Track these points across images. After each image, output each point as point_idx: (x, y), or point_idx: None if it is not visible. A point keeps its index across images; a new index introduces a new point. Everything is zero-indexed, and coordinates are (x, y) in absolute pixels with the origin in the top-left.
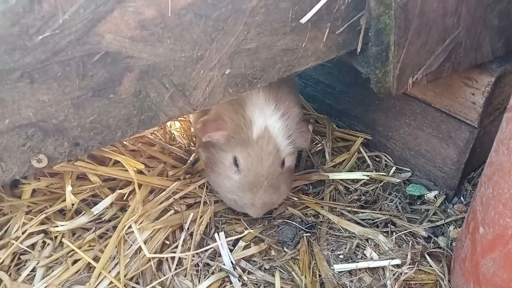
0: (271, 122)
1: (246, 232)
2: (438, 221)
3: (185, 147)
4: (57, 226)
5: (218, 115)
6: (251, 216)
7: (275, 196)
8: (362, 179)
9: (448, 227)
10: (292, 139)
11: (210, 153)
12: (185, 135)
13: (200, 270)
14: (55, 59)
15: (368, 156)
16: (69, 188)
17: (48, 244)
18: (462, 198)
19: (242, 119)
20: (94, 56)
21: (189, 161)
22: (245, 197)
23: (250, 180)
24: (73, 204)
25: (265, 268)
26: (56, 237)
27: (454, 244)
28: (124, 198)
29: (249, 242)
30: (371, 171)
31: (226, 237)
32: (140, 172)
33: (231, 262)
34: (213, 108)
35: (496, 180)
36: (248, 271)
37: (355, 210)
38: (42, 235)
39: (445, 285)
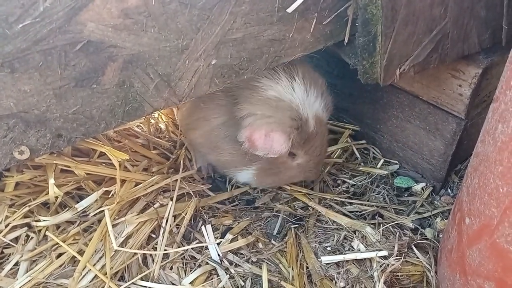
0: (316, 108)
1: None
2: (425, 213)
3: (171, 138)
4: (39, 221)
5: (270, 126)
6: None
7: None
8: (351, 171)
9: (435, 219)
10: (329, 106)
11: (263, 162)
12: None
13: (187, 262)
14: (36, 48)
15: (357, 149)
16: (51, 181)
17: (32, 237)
18: (449, 190)
19: (300, 120)
20: (76, 45)
21: (172, 157)
22: (312, 173)
23: (316, 161)
24: (57, 197)
25: (252, 261)
26: (40, 230)
27: (441, 236)
28: (110, 196)
29: (236, 235)
30: (359, 164)
31: (213, 230)
32: (124, 167)
33: (218, 254)
34: (248, 116)
35: (482, 170)
36: (235, 263)
37: (343, 201)
38: (25, 228)
39: (431, 276)
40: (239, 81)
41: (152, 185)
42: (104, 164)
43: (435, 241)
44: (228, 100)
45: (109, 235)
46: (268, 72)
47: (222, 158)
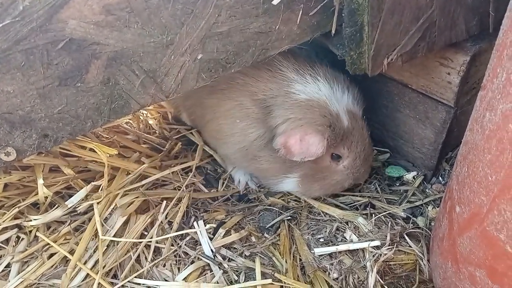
0: (346, 102)
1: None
2: (417, 201)
3: (161, 133)
4: (30, 221)
5: (303, 129)
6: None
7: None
8: None
9: (427, 207)
10: (359, 100)
11: (305, 169)
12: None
13: (180, 259)
14: (17, 47)
15: None
16: (40, 181)
17: (23, 238)
18: (440, 178)
19: (331, 117)
20: (58, 43)
21: (164, 149)
22: (361, 173)
23: (362, 158)
24: (46, 197)
25: (245, 255)
26: (30, 231)
27: (432, 224)
28: (100, 190)
29: (229, 229)
30: None
31: (205, 225)
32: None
33: (211, 250)
34: (283, 122)
35: (471, 159)
36: (229, 258)
37: (335, 193)
38: (16, 229)
39: (424, 264)
40: (273, 90)
41: (144, 177)
42: (94, 162)
43: (427, 230)
44: (263, 112)
45: (102, 226)
46: (297, 76)
47: (262, 167)
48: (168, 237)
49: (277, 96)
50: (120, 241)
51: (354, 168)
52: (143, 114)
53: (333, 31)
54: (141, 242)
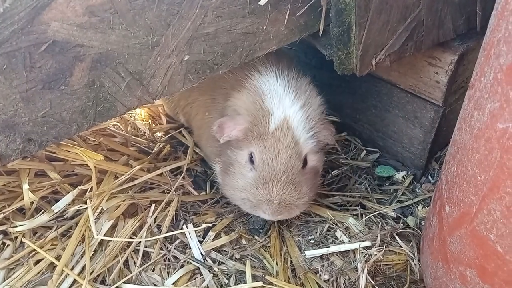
0: (290, 113)
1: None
2: (407, 201)
3: (151, 136)
4: (16, 226)
5: (235, 110)
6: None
7: (295, 194)
8: (332, 163)
9: (417, 207)
10: (315, 132)
11: (226, 155)
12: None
13: (169, 263)
14: None
15: (337, 140)
16: (26, 186)
17: (8, 245)
18: (430, 177)
19: (260, 110)
20: (41, 46)
21: (152, 152)
22: (260, 193)
23: (265, 174)
24: (32, 203)
25: (236, 258)
26: (16, 237)
27: (422, 224)
28: (87, 194)
29: (219, 232)
30: (340, 155)
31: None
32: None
33: (201, 253)
34: (230, 105)
35: (459, 158)
36: (219, 261)
37: (326, 193)
38: (1, 236)
39: (415, 264)
40: (236, 79)
41: (132, 179)
42: (81, 166)
43: (417, 229)
44: (225, 103)
45: (89, 230)
46: (263, 68)
47: (207, 150)
48: (157, 241)
49: (234, 84)
50: (108, 246)
51: (256, 183)
52: (131, 116)
53: (320, 31)
54: (131, 241)
